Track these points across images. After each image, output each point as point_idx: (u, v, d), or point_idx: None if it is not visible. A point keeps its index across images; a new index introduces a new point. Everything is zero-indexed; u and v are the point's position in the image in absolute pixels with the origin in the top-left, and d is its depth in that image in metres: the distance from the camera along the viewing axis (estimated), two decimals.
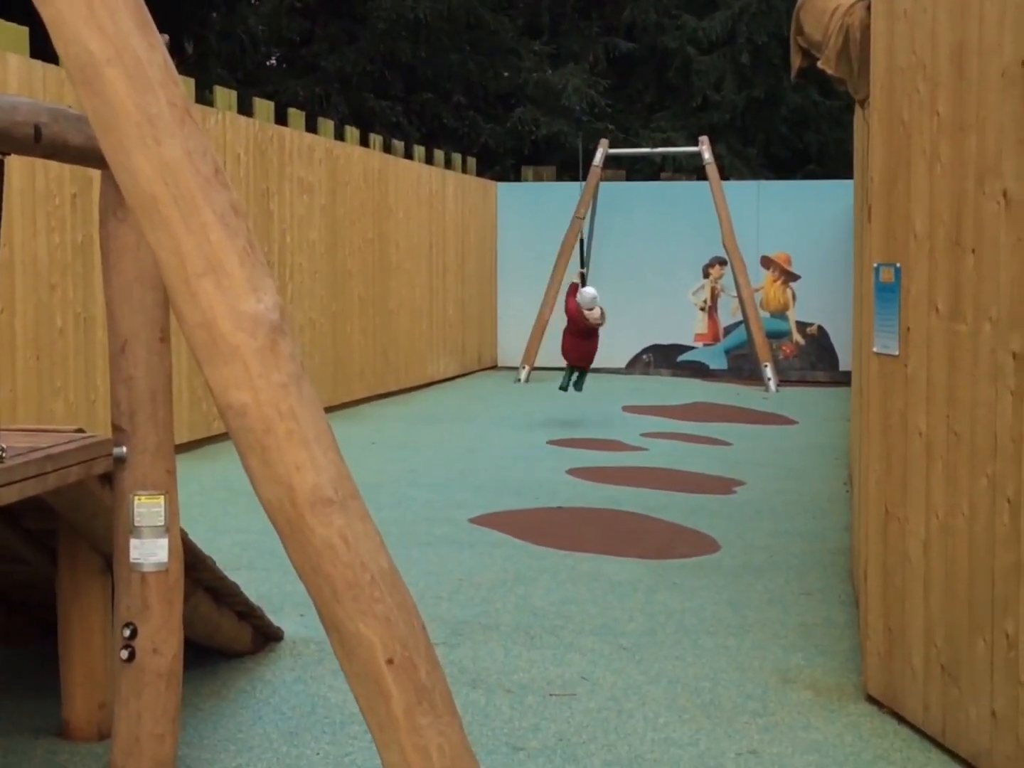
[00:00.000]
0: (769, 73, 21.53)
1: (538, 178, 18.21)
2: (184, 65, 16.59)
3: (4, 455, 3.27)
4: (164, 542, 3.53)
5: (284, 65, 22.29)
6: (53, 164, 7.82)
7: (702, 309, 17.22)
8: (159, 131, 2.45)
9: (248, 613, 4.79)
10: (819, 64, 4.92)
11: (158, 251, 2.49)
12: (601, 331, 11.70)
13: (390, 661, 2.50)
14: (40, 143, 3.23)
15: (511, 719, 4.34)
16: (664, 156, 20.29)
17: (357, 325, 13.39)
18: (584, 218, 15.82)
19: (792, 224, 16.65)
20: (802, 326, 16.83)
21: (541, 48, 21.94)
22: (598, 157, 16.29)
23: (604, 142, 16.60)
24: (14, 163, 5.61)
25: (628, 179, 18.25)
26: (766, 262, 16.84)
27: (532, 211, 17.52)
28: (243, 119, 11.00)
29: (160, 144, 2.45)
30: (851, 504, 7.30)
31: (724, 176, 17.09)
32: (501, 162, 21.40)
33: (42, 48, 6.29)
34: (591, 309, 11.40)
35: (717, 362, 17.16)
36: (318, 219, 12.50)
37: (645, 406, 13.53)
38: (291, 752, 4.04)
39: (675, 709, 4.43)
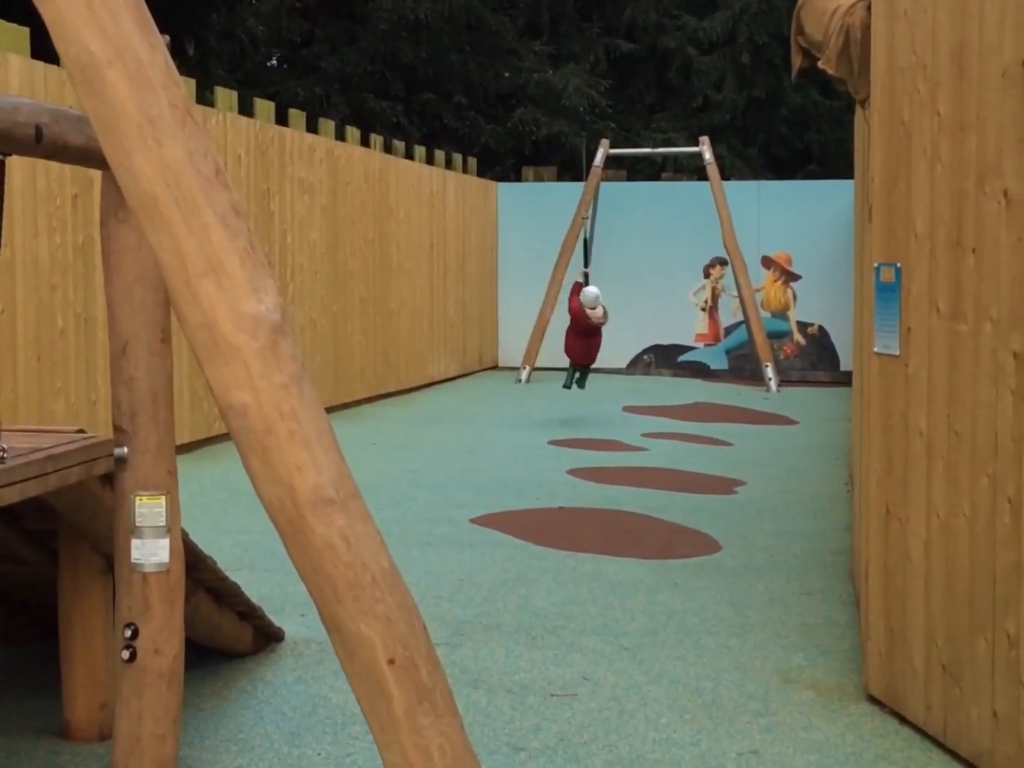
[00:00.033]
0: (770, 73, 21.53)
1: (539, 178, 18.21)
2: (185, 66, 16.59)
3: (5, 456, 3.28)
4: (165, 542, 3.54)
5: (285, 66, 22.29)
6: (54, 165, 7.82)
7: (703, 309, 17.22)
8: (160, 132, 2.45)
9: (249, 613, 4.79)
10: (820, 64, 4.92)
11: (159, 252, 2.49)
12: (603, 330, 11.75)
13: (391, 661, 2.50)
14: (41, 144, 3.23)
15: (512, 719, 4.34)
16: (665, 156, 20.29)
17: (358, 325, 13.39)
18: (588, 218, 15.81)
19: (793, 224, 16.64)
20: (803, 326, 16.82)
21: (542, 48, 21.93)
22: (599, 157, 16.28)
23: (605, 142, 16.59)
24: (15, 164, 5.61)
25: (629, 179, 18.25)
26: (767, 262, 16.83)
27: (533, 211, 17.52)
28: (244, 120, 11.00)
29: (161, 145, 2.45)
30: (852, 504, 7.30)
31: (725, 176, 17.09)
32: (502, 162, 21.40)
33: (43, 49, 6.29)
34: (594, 308, 11.43)
35: (718, 362, 17.15)
36: (319, 219, 12.50)
37: (646, 406, 13.52)
38: (292, 752, 4.04)
39: (676, 709, 4.44)
